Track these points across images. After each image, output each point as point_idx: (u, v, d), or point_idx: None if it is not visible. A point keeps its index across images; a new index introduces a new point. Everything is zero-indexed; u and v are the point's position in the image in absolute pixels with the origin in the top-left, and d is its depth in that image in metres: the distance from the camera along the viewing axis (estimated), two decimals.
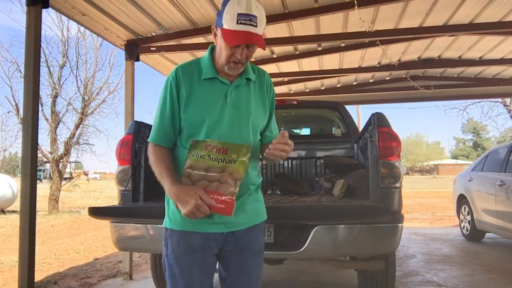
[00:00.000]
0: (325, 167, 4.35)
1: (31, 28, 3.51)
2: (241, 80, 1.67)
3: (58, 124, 13.70)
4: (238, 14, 1.50)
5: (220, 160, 1.55)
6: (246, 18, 1.50)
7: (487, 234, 6.61)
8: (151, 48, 5.23)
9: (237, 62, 1.59)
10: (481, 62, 7.26)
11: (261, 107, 1.71)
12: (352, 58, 7.12)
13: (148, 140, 1.71)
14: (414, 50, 6.87)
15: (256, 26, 1.52)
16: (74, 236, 8.43)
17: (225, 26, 1.53)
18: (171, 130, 1.66)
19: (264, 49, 1.65)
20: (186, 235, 1.61)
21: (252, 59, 7.31)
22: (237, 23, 1.50)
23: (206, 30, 5.02)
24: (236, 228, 1.65)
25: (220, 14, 1.57)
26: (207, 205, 1.50)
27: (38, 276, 4.67)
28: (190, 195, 1.49)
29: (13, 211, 12.93)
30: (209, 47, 1.72)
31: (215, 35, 1.63)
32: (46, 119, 13.57)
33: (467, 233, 6.81)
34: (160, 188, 1.76)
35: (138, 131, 3.18)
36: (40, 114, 13.05)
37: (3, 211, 13.08)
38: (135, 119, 4.62)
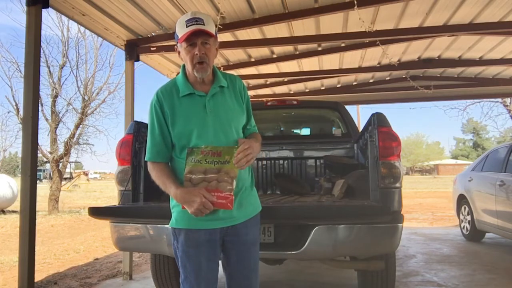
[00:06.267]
0: (325, 167, 4.34)
1: (31, 28, 3.50)
2: (215, 89, 1.85)
3: (58, 124, 13.69)
4: (185, 20, 1.76)
5: (215, 162, 1.73)
6: (193, 20, 1.75)
7: (487, 234, 6.61)
8: (151, 48, 5.23)
9: (200, 62, 1.77)
10: (481, 62, 7.26)
11: (238, 109, 1.90)
12: (352, 58, 7.12)
13: (145, 160, 1.89)
14: (414, 50, 6.87)
15: (204, 25, 1.74)
16: (74, 236, 8.43)
17: (180, 35, 1.77)
18: (163, 146, 1.85)
19: (215, 38, 1.83)
20: (192, 232, 1.79)
21: (253, 59, 7.33)
22: (187, 27, 1.75)
23: None
24: (236, 222, 1.83)
25: (175, 33, 1.82)
26: (210, 201, 1.68)
27: (38, 276, 4.67)
28: (195, 194, 1.68)
29: (13, 211, 12.93)
30: (181, 66, 1.91)
31: (179, 53, 1.85)
32: (46, 119, 13.57)
33: (467, 233, 6.81)
34: (160, 189, 1.79)
35: (138, 131, 3.17)
36: (40, 114, 13.06)
37: (3, 211, 13.08)
38: (135, 119, 4.62)
